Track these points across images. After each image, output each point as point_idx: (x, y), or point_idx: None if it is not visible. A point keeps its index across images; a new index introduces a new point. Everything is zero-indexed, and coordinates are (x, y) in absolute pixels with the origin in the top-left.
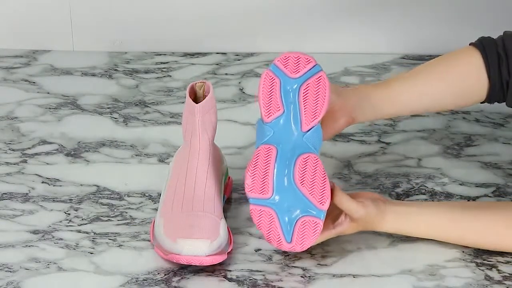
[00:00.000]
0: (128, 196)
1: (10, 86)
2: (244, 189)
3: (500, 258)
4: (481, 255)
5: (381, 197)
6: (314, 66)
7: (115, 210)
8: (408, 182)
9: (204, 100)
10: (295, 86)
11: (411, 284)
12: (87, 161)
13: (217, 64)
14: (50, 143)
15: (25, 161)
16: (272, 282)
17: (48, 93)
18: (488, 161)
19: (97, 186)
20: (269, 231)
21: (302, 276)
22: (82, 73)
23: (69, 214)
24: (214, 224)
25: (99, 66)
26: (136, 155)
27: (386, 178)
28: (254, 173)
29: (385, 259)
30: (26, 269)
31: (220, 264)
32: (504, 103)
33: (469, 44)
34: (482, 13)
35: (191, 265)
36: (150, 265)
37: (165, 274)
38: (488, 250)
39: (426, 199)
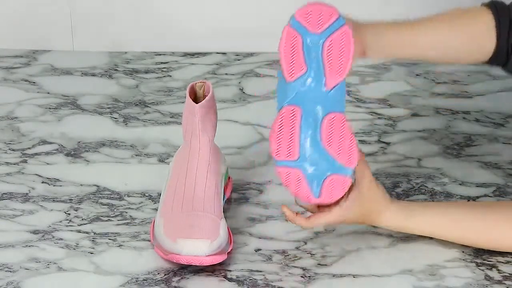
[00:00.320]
0: (128, 196)
1: (10, 86)
2: (272, 153)
3: (500, 258)
4: (481, 255)
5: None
6: (337, 19)
7: (115, 210)
8: (408, 182)
9: (204, 100)
10: (319, 42)
11: (411, 284)
12: (87, 161)
13: (217, 64)
14: (50, 143)
15: (25, 161)
16: (272, 282)
17: (48, 93)
18: (488, 161)
19: (97, 186)
20: (297, 190)
21: (302, 276)
22: (82, 73)
23: (69, 214)
24: (214, 224)
25: (99, 66)
26: (136, 155)
27: (386, 178)
28: (280, 136)
29: (385, 259)
30: (26, 269)
31: (220, 264)
32: (502, 68)
33: (482, 5)
34: None
35: (191, 265)
36: (150, 265)
37: (165, 274)
38: (488, 250)
39: (426, 199)
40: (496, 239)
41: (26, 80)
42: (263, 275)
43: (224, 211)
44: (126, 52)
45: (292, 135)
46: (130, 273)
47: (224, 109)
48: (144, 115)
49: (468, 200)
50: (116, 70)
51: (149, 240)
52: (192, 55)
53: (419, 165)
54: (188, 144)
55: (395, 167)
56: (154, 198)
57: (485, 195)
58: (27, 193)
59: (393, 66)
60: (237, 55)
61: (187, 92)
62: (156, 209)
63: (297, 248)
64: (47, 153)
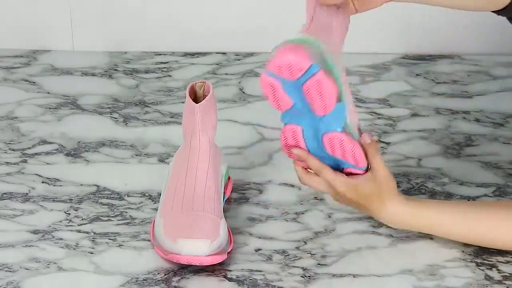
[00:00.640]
0: (128, 196)
1: (10, 86)
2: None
3: (500, 258)
4: (481, 255)
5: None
6: (309, 68)
7: (115, 210)
8: (408, 182)
9: (204, 100)
10: (297, 85)
11: (411, 284)
12: (87, 161)
13: (217, 64)
14: (50, 143)
15: (25, 161)
16: (272, 282)
17: (48, 93)
18: (488, 161)
19: (97, 186)
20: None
21: (302, 276)
22: (82, 73)
23: (69, 214)
24: (214, 224)
25: (99, 66)
26: (136, 155)
27: None
28: (287, 148)
29: (385, 259)
30: (26, 269)
31: (220, 264)
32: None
33: None
34: (483, 13)
35: (191, 265)
36: (150, 265)
37: (165, 274)
38: (488, 250)
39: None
40: (502, 238)
41: (26, 80)
42: (263, 275)
43: (224, 211)
44: (126, 52)
45: (297, 145)
46: (130, 273)
47: (224, 109)
48: (144, 115)
49: (468, 200)
50: (116, 70)
51: (149, 240)
52: (192, 55)
53: (419, 165)
54: (188, 144)
55: (395, 167)
56: (154, 198)
57: (485, 195)
58: (27, 193)
59: (393, 66)
60: (237, 55)
61: (187, 92)
62: (156, 209)
63: (297, 248)
64: (47, 153)
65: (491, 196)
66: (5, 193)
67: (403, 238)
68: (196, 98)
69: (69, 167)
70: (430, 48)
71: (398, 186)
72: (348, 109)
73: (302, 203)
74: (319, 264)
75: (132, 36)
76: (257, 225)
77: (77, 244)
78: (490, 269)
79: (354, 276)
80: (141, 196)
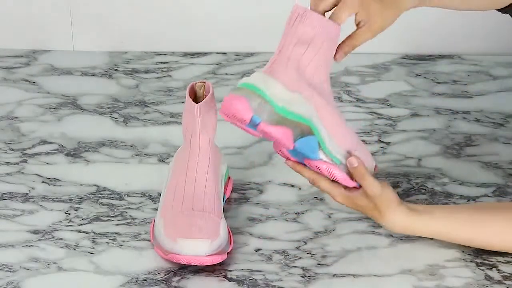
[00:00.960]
0: (128, 196)
1: (10, 86)
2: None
3: (500, 258)
4: (481, 255)
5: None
6: (251, 120)
7: (115, 210)
8: (408, 182)
9: (204, 100)
10: (251, 127)
11: (411, 284)
12: (87, 161)
13: (217, 64)
14: (50, 143)
15: (25, 161)
16: (272, 282)
17: (48, 93)
18: (488, 161)
19: (97, 186)
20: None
21: (302, 276)
22: (82, 73)
23: (69, 214)
24: (214, 224)
25: (99, 66)
26: (136, 155)
27: (386, 178)
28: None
29: (385, 259)
30: (26, 269)
31: (220, 264)
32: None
33: None
34: (483, 12)
35: (191, 265)
36: (150, 265)
37: (165, 274)
38: (488, 250)
39: (426, 199)
40: (505, 243)
41: (26, 80)
42: (263, 275)
43: (224, 211)
44: (126, 52)
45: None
46: (130, 273)
47: None
48: (144, 115)
49: (468, 201)
50: (116, 70)
51: (149, 240)
52: (192, 55)
53: (419, 165)
54: (188, 144)
55: (395, 167)
56: (154, 198)
57: (485, 195)
58: (27, 193)
59: (393, 66)
60: (237, 55)
61: (187, 92)
62: (156, 209)
63: (297, 248)
64: (47, 153)
65: (491, 196)
66: (5, 193)
67: (403, 238)
68: (196, 98)
69: (69, 167)
70: (430, 48)
71: (398, 186)
72: (326, 136)
73: (302, 203)
74: (319, 264)
75: (132, 36)
76: (257, 225)
77: (77, 244)
78: (490, 269)
79: (354, 276)
80: (141, 196)
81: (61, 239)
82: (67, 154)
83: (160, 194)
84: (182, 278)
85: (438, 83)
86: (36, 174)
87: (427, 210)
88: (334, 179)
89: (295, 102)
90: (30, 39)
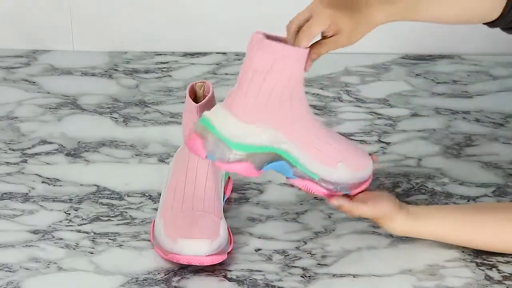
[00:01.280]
0: (128, 196)
1: (10, 86)
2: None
3: (500, 258)
4: (481, 255)
5: (396, 199)
6: (206, 157)
7: (115, 210)
8: (408, 182)
9: (204, 100)
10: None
11: (411, 284)
12: (87, 161)
13: (217, 64)
14: (50, 143)
15: (25, 161)
16: (272, 282)
17: (48, 93)
18: (488, 161)
19: (97, 186)
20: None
21: (302, 276)
22: (82, 73)
23: (69, 214)
24: (214, 224)
25: (99, 66)
26: (136, 155)
27: (386, 178)
28: None
29: (385, 259)
30: (26, 269)
31: (220, 264)
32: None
33: None
34: None
35: (191, 265)
36: (150, 265)
37: (165, 274)
38: (492, 251)
39: (426, 199)
40: (505, 243)
41: (26, 80)
42: (263, 275)
43: (224, 211)
44: (126, 52)
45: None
46: (130, 273)
47: None
48: (144, 115)
49: (468, 201)
50: (116, 70)
51: (149, 240)
52: (192, 55)
53: (419, 165)
54: None
55: (395, 167)
56: (154, 198)
57: (485, 195)
58: (27, 193)
59: (393, 66)
60: (237, 55)
61: (187, 92)
62: (156, 209)
63: (297, 248)
64: (47, 153)
65: (491, 196)
66: (5, 193)
67: (403, 238)
68: (196, 98)
69: (69, 167)
70: (430, 48)
71: (398, 186)
72: (299, 156)
73: (302, 203)
74: (319, 264)
75: (132, 36)
76: (257, 225)
77: (77, 244)
78: (490, 269)
79: (354, 276)
80: (141, 196)
81: (61, 239)
82: (67, 154)
83: (160, 194)
84: (182, 278)
85: (438, 83)
86: (36, 174)
87: (426, 213)
88: (313, 193)
89: (252, 134)
90: (30, 39)
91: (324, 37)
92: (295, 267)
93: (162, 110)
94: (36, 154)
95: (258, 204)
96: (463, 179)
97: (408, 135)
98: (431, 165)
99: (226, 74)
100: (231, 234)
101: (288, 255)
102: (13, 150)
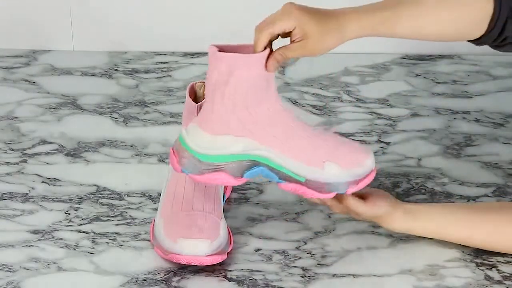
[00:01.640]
0: (128, 196)
1: (10, 86)
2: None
3: (500, 258)
4: (481, 255)
5: (393, 197)
6: (182, 171)
7: (115, 210)
8: (408, 182)
9: (204, 100)
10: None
11: (411, 284)
12: (87, 161)
13: None
14: (50, 143)
15: (25, 161)
16: (272, 282)
17: (48, 93)
18: (488, 161)
19: (97, 186)
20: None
21: (302, 276)
22: (82, 73)
23: (69, 214)
24: (214, 224)
25: (99, 66)
26: (136, 155)
27: (386, 178)
28: None
29: (385, 259)
30: (26, 269)
31: (220, 264)
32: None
33: None
34: None
35: (191, 265)
36: (150, 265)
37: (165, 274)
38: (488, 250)
39: (426, 199)
40: (504, 241)
41: (26, 80)
42: (263, 275)
43: (224, 211)
44: (126, 52)
45: None
46: (130, 273)
47: None
48: (144, 115)
49: (468, 201)
50: (116, 70)
51: (149, 240)
52: (192, 55)
53: (419, 165)
54: None
55: (395, 167)
56: (154, 198)
57: (485, 195)
58: (27, 193)
59: (393, 66)
60: None
61: (187, 92)
62: (156, 209)
63: (297, 248)
64: (47, 153)
65: (491, 196)
66: (5, 193)
67: (403, 238)
68: (196, 98)
69: (69, 167)
70: (430, 48)
71: (398, 186)
72: (279, 160)
73: (302, 203)
74: (319, 264)
75: (132, 36)
76: (257, 225)
77: (77, 244)
78: (490, 269)
79: (354, 276)
80: (141, 196)
81: (61, 239)
82: (67, 154)
83: (160, 194)
84: (182, 278)
85: (438, 83)
86: (36, 174)
87: (424, 212)
88: (301, 195)
89: (224, 145)
90: (30, 39)
91: (292, 41)
92: (295, 267)
93: (162, 110)
94: (36, 154)
95: (258, 204)
96: (463, 179)
97: (408, 135)
98: (431, 165)
99: None
100: (231, 234)
101: (288, 255)
102: (13, 150)
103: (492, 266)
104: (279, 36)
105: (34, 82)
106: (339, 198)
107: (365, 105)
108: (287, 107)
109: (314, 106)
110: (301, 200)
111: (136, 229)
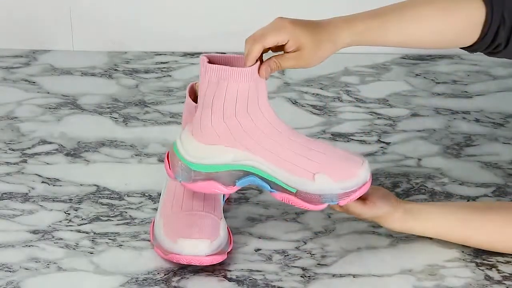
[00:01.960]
0: (128, 196)
1: (10, 86)
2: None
3: (500, 258)
4: (481, 255)
5: (393, 195)
6: (175, 179)
7: (115, 210)
8: (408, 182)
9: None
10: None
11: (411, 284)
12: (87, 161)
13: None
14: (50, 143)
15: (25, 161)
16: (272, 282)
17: (48, 93)
18: (488, 161)
19: (97, 186)
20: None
21: (302, 276)
22: (82, 73)
23: (69, 214)
24: (214, 224)
25: (99, 66)
26: (136, 155)
27: (386, 178)
28: None
29: (385, 259)
30: (26, 269)
31: (220, 264)
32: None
33: None
34: None
35: (191, 265)
36: (150, 265)
37: (165, 274)
38: (488, 250)
39: (426, 199)
40: (504, 241)
41: (26, 80)
42: (263, 275)
43: (224, 211)
44: (126, 52)
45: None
46: (130, 273)
47: None
48: (144, 115)
49: (468, 201)
50: (116, 70)
51: (149, 240)
52: (192, 55)
53: (419, 165)
54: None
55: (395, 167)
56: (154, 198)
57: (485, 195)
58: (27, 193)
59: (393, 66)
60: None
61: (187, 92)
62: (156, 209)
63: (297, 248)
64: (47, 153)
65: (491, 196)
66: (5, 193)
67: (403, 238)
68: (196, 98)
69: (69, 167)
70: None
71: (398, 186)
72: (269, 170)
73: None
74: (319, 264)
75: (132, 36)
76: (257, 225)
77: (77, 244)
78: (490, 269)
79: (354, 276)
80: (141, 196)
81: (61, 239)
82: (67, 154)
83: (160, 194)
84: (182, 278)
85: (438, 83)
86: (36, 174)
87: (424, 211)
88: (293, 204)
89: (215, 154)
90: (30, 39)
91: (286, 53)
92: (295, 267)
93: (162, 110)
94: (36, 154)
95: (258, 204)
96: (463, 179)
97: (408, 135)
98: (431, 165)
99: None
100: (231, 234)
101: (288, 255)
102: (13, 150)
103: (492, 266)
104: (270, 50)
105: (34, 82)
106: None
107: (365, 105)
108: (278, 119)
109: (314, 106)
110: None
111: (136, 229)
